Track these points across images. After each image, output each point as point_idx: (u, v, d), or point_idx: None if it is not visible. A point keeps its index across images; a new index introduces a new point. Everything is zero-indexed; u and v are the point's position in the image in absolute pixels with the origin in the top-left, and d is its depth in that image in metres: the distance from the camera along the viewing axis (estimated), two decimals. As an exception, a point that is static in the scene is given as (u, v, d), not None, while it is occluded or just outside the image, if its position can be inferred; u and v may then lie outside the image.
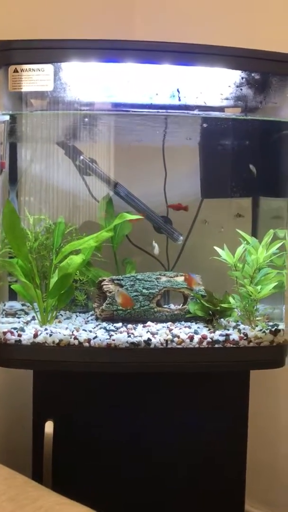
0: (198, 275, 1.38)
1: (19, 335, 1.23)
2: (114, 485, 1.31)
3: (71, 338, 1.22)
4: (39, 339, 1.22)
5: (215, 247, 1.30)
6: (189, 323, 1.32)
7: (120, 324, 1.29)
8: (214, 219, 1.51)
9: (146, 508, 1.33)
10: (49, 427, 1.25)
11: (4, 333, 1.23)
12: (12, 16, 1.56)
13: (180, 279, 1.36)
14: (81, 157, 1.44)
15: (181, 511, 1.34)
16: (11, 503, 0.86)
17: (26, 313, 1.39)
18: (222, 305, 1.31)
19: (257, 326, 1.29)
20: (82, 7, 1.71)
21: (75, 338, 1.22)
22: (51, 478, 1.25)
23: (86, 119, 1.36)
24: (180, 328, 1.28)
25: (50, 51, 1.19)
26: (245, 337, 1.26)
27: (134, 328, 1.27)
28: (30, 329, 1.24)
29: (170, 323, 1.32)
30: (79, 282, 1.36)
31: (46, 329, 1.24)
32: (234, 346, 1.25)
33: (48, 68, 1.19)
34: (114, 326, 1.28)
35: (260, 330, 1.28)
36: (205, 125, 1.40)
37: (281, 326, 1.30)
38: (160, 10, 1.80)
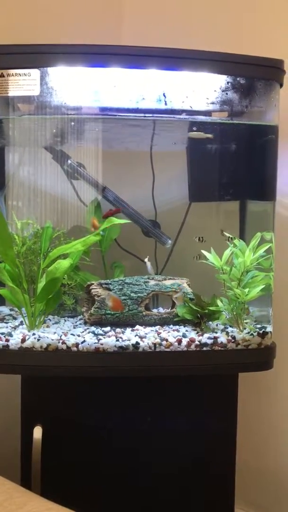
0: (186, 278, 1.38)
1: (7, 340, 1.22)
2: (103, 490, 1.31)
3: (59, 342, 1.22)
4: (27, 344, 1.21)
5: (203, 251, 1.31)
6: (177, 327, 1.33)
7: (108, 328, 1.29)
8: (202, 223, 1.52)
9: (135, 511, 1.33)
10: (37, 432, 1.24)
11: (-8, 338, 1.22)
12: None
13: (169, 282, 1.37)
14: (69, 161, 1.44)
15: (170, 515, 1.34)
16: (-2, 509, 0.86)
17: (14, 318, 1.38)
18: (210, 308, 1.31)
19: (245, 328, 1.30)
20: (69, 12, 1.72)
21: (63, 342, 1.22)
22: (40, 483, 1.24)
23: (73, 124, 1.36)
24: (168, 332, 1.29)
25: (37, 55, 1.20)
26: (233, 340, 1.26)
27: (123, 332, 1.27)
28: (18, 334, 1.24)
29: (158, 326, 1.32)
30: (67, 287, 1.36)
31: (34, 334, 1.23)
32: (222, 349, 1.25)
33: (35, 72, 1.20)
34: (103, 330, 1.28)
35: (248, 332, 1.28)
36: (192, 129, 1.40)
37: (269, 328, 1.31)
38: (147, 15, 1.81)
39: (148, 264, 1.43)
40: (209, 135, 1.36)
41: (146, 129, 1.44)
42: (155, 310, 1.39)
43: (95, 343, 1.22)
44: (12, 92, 1.21)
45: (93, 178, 1.47)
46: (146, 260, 1.43)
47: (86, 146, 1.48)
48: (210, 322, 1.34)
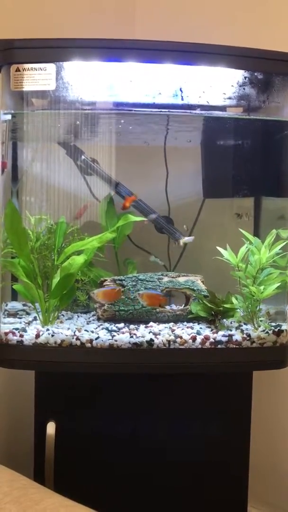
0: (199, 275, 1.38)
1: (21, 336, 1.22)
2: (116, 485, 1.31)
3: (73, 338, 1.22)
4: (41, 339, 1.21)
5: (218, 247, 1.30)
6: (191, 324, 1.32)
7: (122, 325, 1.28)
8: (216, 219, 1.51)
9: (149, 508, 1.33)
10: (51, 428, 1.24)
11: (6, 333, 1.22)
12: (14, 16, 1.55)
13: (182, 279, 1.36)
14: (83, 157, 1.44)
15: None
16: (14, 505, 0.86)
17: (28, 313, 1.38)
18: (225, 305, 1.30)
19: (260, 326, 1.29)
20: (82, 6, 1.71)
21: (77, 338, 1.22)
22: (53, 479, 1.24)
23: (88, 119, 1.36)
24: (182, 329, 1.28)
25: (52, 50, 1.19)
26: (248, 338, 1.25)
27: (136, 329, 1.26)
28: (32, 330, 1.24)
29: (172, 323, 1.31)
30: (80, 282, 1.36)
31: (48, 330, 1.23)
32: (237, 346, 1.24)
33: (50, 67, 1.19)
34: (116, 327, 1.27)
35: (263, 330, 1.27)
36: (207, 124, 1.39)
37: (284, 326, 1.30)
38: (160, 8, 1.80)
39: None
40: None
41: (161, 125, 1.43)
42: (168, 307, 1.38)
43: (109, 339, 1.22)
44: (28, 86, 1.20)
45: (106, 173, 1.46)
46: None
47: (100, 141, 1.48)
48: (224, 320, 1.33)
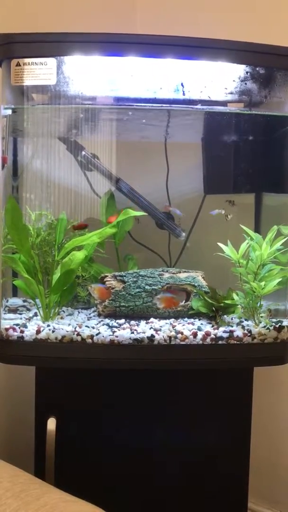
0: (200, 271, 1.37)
1: (22, 332, 1.22)
2: (117, 482, 1.31)
3: (74, 334, 1.21)
4: (42, 335, 1.21)
5: (219, 243, 1.29)
6: (192, 320, 1.32)
7: (122, 321, 1.28)
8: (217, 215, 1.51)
9: (149, 505, 1.33)
10: (51, 424, 1.24)
11: (7, 329, 1.22)
12: (14, 10, 1.55)
13: (183, 275, 1.36)
14: (83, 153, 1.43)
15: (184, 508, 1.34)
16: (16, 500, 0.86)
17: (28, 309, 1.38)
18: (226, 301, 1.30)
19: (260, 322, 1.29)
20: (83, 0, 1.70)
21: (78, 334, 1.21)
22: (54, 475, 1.24)
23: (89, 114, 1.35)
24: (183, 325, 1.28)
25: (53, 44, 1.18)
26: (249, 334, 1.25)
27: (137, 325, 1.26)
28: (33, 326, 1.23)
29: (173, 319, 1.31)
30: (81, 278, 1.35)
31: (48, 326, 1.23)
32: (238, 342, 1.24)
33: (51, 61, 1.18)
34: (117, 323, 1.27)
35: (264, 326, 1.27)
36: (209, 120, 1.39)
37: (285, 322, 1.29)
38: (162, 2, 1.79)
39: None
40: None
41: (162, 120, 1.42)
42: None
43: (110, 335, 1.21)
44: (28, 81, 1.19)
45: (107, 169, 1.46)
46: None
47: (101, 137, 1.47)
48: (225, 316, 1.32)
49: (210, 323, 1.29)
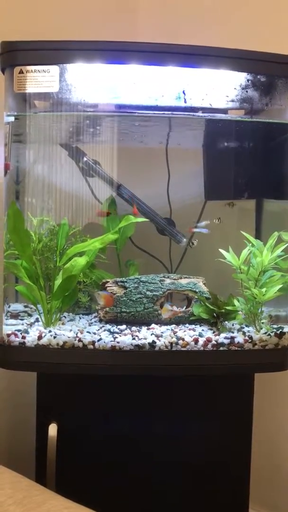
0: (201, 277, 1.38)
1: (23, 337, 1.22)
2: (118, 487, 1.30)
3: (75, 340, 1.22)
4: (43, 341, 1.21)
5: (220, 250, 1.30)
6: (193, 326, 1.32)
7: (124, 327, 1.28)
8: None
9: (150, 510, 1.33)
10: (52, 429, 1.24)
11: (8, 335, 1.22)
12: (16, 18, 1.56)
13: (184, 281, 1.36)
14: (85, 159, 1.44)
15: (185, 515, 1.34)
16: (18, 507, 0.86)
17: (29, 315, 1.38)
18: (227, 307, 1.30)
19: (261, 329, 1.29)
20: (85, 7, 1.71)
21: (80, 340, 1.22)
22: (54, 481, 1.24)
23: (91, 121, 1.36)
24: (184, 331, 1.28)
25: (56, 52, 1.19)
26: (250, 340, 1.26)
27: (139, 331, 1.26)
28: (34, 331, 1.23)
29: (174, 325, 1.31)
30: (82, 284, 1.36)
31: (50, 331, 1.23)
32: (239, 349, 1.25)
33: (54, 69, 1.19)
34: (118, 329, 1.27)
35: (265, 333, 1.27)
36: (210, 127, 1.39)
37: (286, 328, 1.30)
38: (163, 10, 1.80)
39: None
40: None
41: (163, 127, 1.43)
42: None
43: (111, 341, 1.22)
44: (31, 89, 1.20)
45: (108, 175, 1.46)
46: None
47: (102, 143, 1.48)
48: (226, 322, 1.33)
49: (211, 329, 1.30)
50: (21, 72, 1.19)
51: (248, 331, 1.29)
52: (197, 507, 1.34)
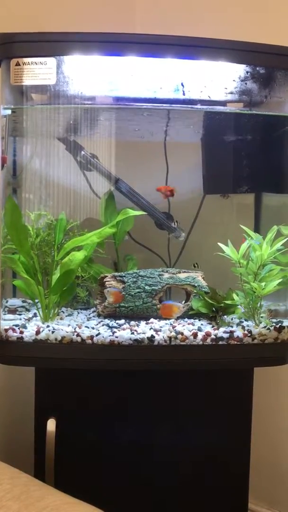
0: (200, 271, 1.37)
1: (21, 332, 1.21)
2: (117, 482, 1.30)
3: (73, 335, 1.21)
4: (42, 336, 1.21)
5: (219, 243, 1.29)
6: (192, 320, 1.31)
7: (122, 321, 1.27)
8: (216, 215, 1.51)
9: (149, 505, 1.32)
10: (51, 425, 1.23)
11: (6, 330, 1.21)
12: (14, 9, 1.54)
13: (183, 275, 1.35)
14: (82, 153, 1.43)
15: (184, 509, 1.34)
16: (16, 502, 0.85)
17: (27, 310, 1.37)
18: (226, 302, 1.30)
19: (261, 323, 1.28)
20: (82, 0, 1.69)
21: (78, 335, 1.21)
22: (53, 476, 1.23)
23: (88, 114, 1.34)
24: (183, 325, 1.27)
25: (53, 44, 1.18)
26: (249, 334, 1.25)
27: (137, 325, 1.26)
28: (32, 326, 1.23)
29: (173, 320, 1.30)
30: (80, 279, 1.35)
31: (48, 326, 1.22)
32: (238, 343, 1.24)
33: (51, 61, 1.18)
34: (117, 323, 1.26)
35: (264, 327, 1.27)
36: (208, 119, 1.38)
37: (286, 323, 1.29)
38: (161, 2, 1.79)
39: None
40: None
41: (161, 120, 1.42)
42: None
43: (110, 336, 1.21)
44: (28, 81, 1.19)
45: (106, 169, 1.45)
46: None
47: (100, 137, 1.47)
48: (225, 316, 1.32)
49: (210, 324, 1.29)
50: (17, 64, 1.18)
51: (248, 325, 1.28)
52: (197, 502, 1.34)
